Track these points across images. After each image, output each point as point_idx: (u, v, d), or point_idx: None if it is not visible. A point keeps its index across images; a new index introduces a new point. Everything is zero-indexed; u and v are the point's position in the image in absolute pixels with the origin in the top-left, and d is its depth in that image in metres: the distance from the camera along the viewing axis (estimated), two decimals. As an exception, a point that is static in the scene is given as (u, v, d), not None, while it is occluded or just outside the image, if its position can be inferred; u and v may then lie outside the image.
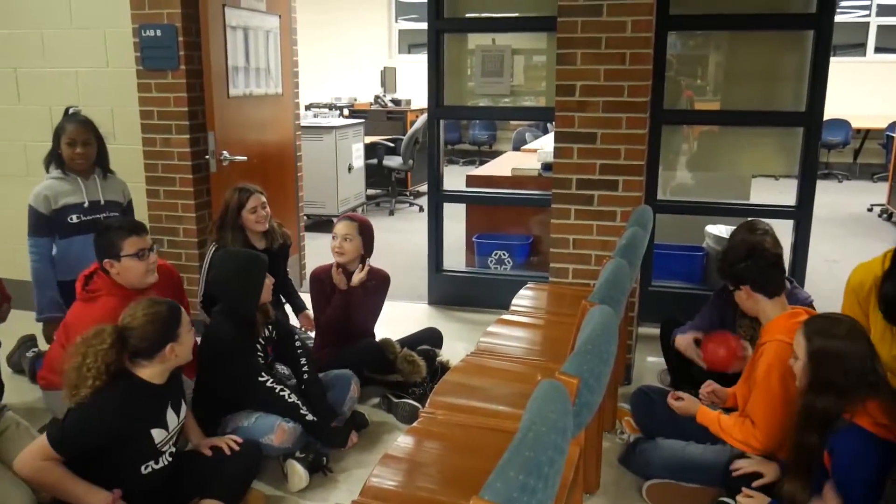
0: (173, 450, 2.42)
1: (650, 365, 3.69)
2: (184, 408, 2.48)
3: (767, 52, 4.39)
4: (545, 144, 5.77)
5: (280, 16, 4.70)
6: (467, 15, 4.60)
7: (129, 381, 2.26)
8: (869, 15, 10.73)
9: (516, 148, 8.27)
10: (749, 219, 3.34)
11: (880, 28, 10.71)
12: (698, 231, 4.74)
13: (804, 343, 2.14)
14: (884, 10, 10.70)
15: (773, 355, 2.42)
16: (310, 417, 2.82)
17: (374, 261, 3.61)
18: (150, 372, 2.29)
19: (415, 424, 2.30)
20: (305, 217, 5.62)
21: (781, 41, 4.32)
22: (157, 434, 2.32)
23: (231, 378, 2.76)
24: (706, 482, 2.59)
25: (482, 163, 8.64)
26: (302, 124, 5.56)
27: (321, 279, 3.46)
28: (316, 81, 10.91)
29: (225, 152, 4.01)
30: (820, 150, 10.76)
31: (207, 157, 4.03)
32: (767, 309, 2.56)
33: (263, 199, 3.57)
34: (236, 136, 4.18)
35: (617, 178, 3.54)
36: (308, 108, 8.83)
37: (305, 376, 2.99)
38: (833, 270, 5.34)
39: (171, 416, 2.37)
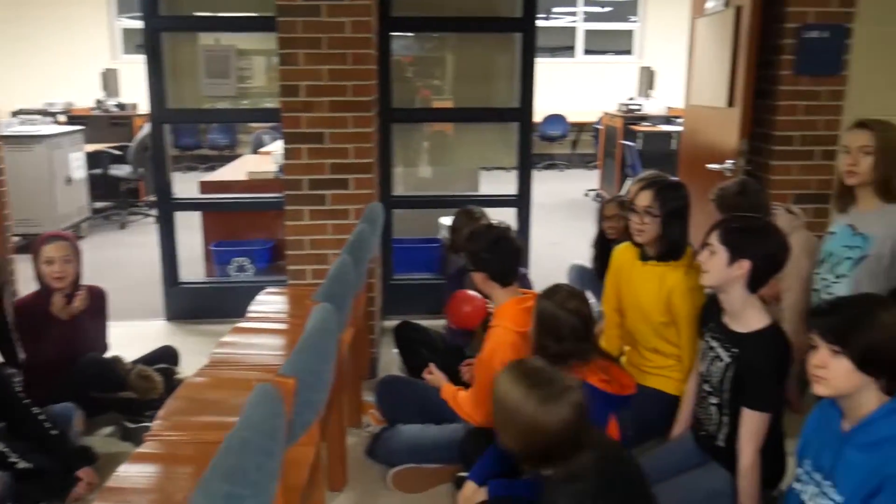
0: None
1: (396, 357, 3.78)
2: None
3: (486, 54, 4.70)
4: (280, 147, 5.68)
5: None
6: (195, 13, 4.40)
7: None
8: (576, 21, 11.94)
9: (255, 151, 8.06)
10: (466, 206, 3.57)
11: (587, 32, 11.97)
12: (434, 223, 4.96)
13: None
14: (590, 17, 11.98)
15: (497, 340, 2.56)
16: (22, 465, 2.51)
17: (104, 278, 3.33)
18: None
19: (139, 449, 2.14)
20: (16, 238, 5.00)
21: (496, 43, 4.64)
22: None
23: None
24: (447, 461, 2.71)
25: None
26: (4, 133, 4.94)
27: (32, 311, 3.07)
28: (23, 85, 9.80)
29: None
30: (538, 142, 11.70)
31: None
32: (499, 295, 2.69)
33: None
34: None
35: (348, 176, 3.58)
36: (15, 114, 7.88)
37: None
38: (554, 251, 5.86)
39: None
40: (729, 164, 3.63)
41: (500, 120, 4.70)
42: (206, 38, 4.43)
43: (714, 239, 2.23)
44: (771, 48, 3.63)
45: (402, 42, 4.66)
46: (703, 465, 2.36)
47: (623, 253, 2.94)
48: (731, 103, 3.65)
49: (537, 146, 11.46)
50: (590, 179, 9.62)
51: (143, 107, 9.04)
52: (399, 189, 4.73)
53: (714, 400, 2.32)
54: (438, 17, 4.42)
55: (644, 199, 2.71)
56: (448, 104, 4.76)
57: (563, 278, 4.32)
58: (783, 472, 2.30)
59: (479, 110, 4.69)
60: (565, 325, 2.24)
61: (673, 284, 2.67)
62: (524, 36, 4.36)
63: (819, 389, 1.74)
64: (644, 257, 2.79)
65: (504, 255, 2.66)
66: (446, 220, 4.90)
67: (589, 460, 1.72)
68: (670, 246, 2.71)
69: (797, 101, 3.60)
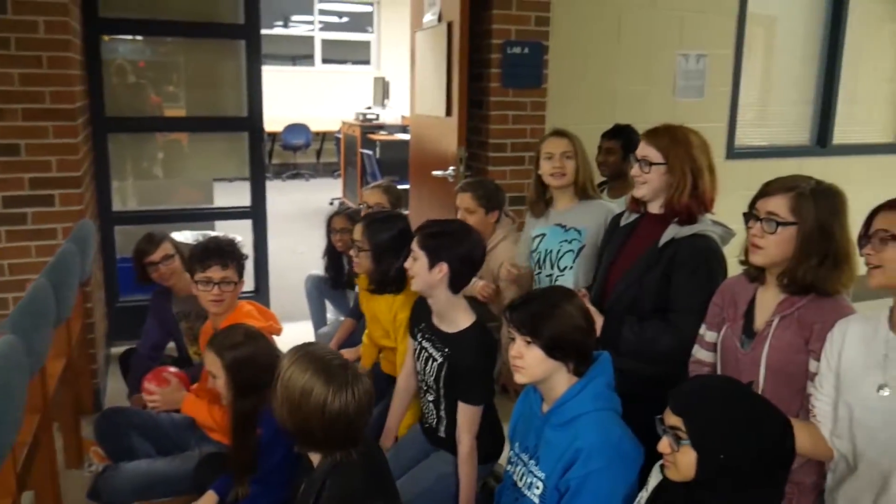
0: None
1: (125, 387, 3.49)
2: None
3: (212, 61, 4.53)
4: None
5: None
6: None
7: None
8: (313, 30, 11.96)
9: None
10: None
11: (324, 42, 12.04)
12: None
13: (218, 360, 2.21)
14: (327, 26, 12.06)
15: None
16: None
17: None
18: None
19: None
20: None
21: (222, 50, 4.49)
22: None
23: None
24: (179, 492, 2.55)
25: None
26: None
27: None
28: None
29: None
30: (281, 151, 11.53)
31: None
32: (218, 321, 2.61)
33: None
34: None
35: (52, 192, 3.23)
36: None
37: None
38: (299, 261, 5.81)
39: None
40: (451, 170, 3.84)
41: (228, 129, 4.56)
42: None
43: (414, 245, 2.30)
44: (481, 62, 3.90)
45: (131, 46, 4.34)
46: (433, 454, 2.47)
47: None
48: (448, 113, 3.86)
49: (281, 156, 11.32)
50: (335, 188, 9.68)
51: None
52: (125, 203, 4.39)
53: (431, 397, 2.42)
54: (155, 21, 4.18)
55: (357, 232, 2.72)
56: (181, 112, 4.52)
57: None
58: (502, 448, 2.47)
59: (206, 120, 4.51)
60: (260, 355, 2.23)
61: (397, 309, 2.70)
62: (248, 43, 4.26)
63: (518, 378, 1.89)
64: (370, 290, 2.76)
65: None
66: (178, 236, 4.65)
67: (359, 452, 1.72)
68: (380, 279, 2.66)
69: (506, 111, 3.91)
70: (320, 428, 1.67)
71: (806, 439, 1.70)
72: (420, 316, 2.46)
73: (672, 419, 1.50)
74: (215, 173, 5.08)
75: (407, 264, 2.33)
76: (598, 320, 2.15)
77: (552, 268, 2.93)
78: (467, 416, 2.26)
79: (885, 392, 1.62)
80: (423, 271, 2.25)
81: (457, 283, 2.29)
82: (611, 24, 4.23)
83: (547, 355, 1.82)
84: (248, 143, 4.49)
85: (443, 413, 2.38)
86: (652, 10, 4.33)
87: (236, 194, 4.85)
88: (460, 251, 2.27)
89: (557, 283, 2.88)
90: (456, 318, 2.32)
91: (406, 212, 3.77)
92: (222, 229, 4.35)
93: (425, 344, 2.41)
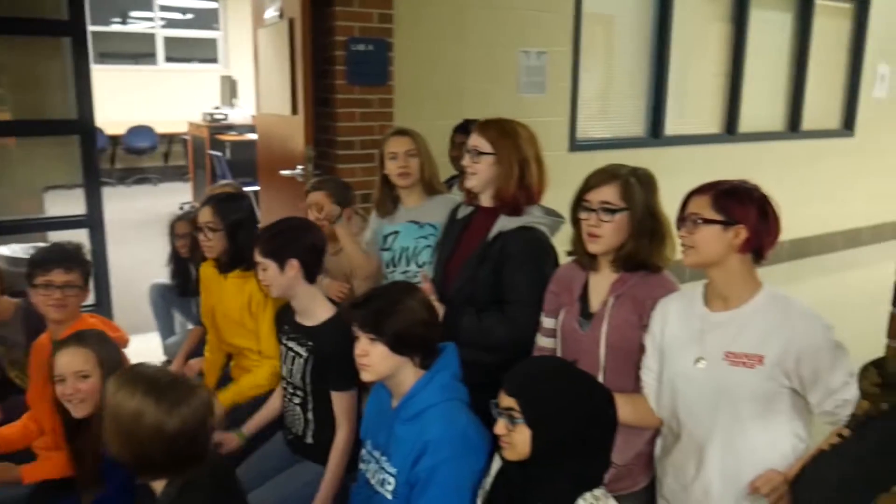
0: None
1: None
2: None
3: (37, 60, 4.21)
4: None
5: None
6: None
7: None
8: (154, 27, 11.39)
9: None
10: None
11: (166, 39, 11.49)
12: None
13: (93, 356, 2.08)
14: (170, 23, 11.52)
15: None
16: None
17: None
18: None
19: None
20: None
21: (46, 48, 4.18)
22: None
23: None
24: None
25: None
26: None
27: None
28: None
29: None
30: (125, 155, 10.95)
31: None
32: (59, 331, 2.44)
33: None
34: None
35: None
36: None
37: None
38: (146, 269, 5.50)
39: None
40: (300, 169, 3.77)
41: (57, 133, 4.25)
42: None
43: (258, 257, 2.30)
44: (326, 59, 3.86)
45: None
46: (298, 464, 2.42)
47: (206, 269, 2.92)
48: (294, 111, 3.79)
49: (125, 160, 10.72)
50: (185, 192, 9.28)
51: None
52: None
53: (298, 399, 2.39)
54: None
55: (205, 215, 2.73)
56: (5, 116, 4.17)
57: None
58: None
59: (32, 123, 4.19)
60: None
61: (252, 290, 2.69)
62: (74, 40, 3.98)
63: (365, 376, 1.89)
64: (223, 271, 2.79)
65: None
66: (4, 250, 4.29)
67: (205, 470, 1.64)
68: (239, 255, 2.72)
69: (354, 108, 3.89)
70: (161, 452, 1.58)
71: (629, 411, 1.81)
72: (283, 319, 2.48)
73: (507, 401, 1.55)
74: (47, 180, 4.73)
75: (259, 276, 2.34)
76: (440, 311, 2.19)
77: (408, 264, 2.94)
78: (342, 403, 2.27)
79: (702, 364, 1.74)
80: (275, 277, 2.29)
81: (311, 273, 2.33)
82: (454, 22, 4.31)
83: (392, 351, 1.83)
84: (79, 147, 4.19)
85: (310, 416, 2.36)
86: (492, 10, 4.44)
87: (76, 202, 4.53)
88: (304, 242, 2.32)
89: (417, 278, 2.92)
90: (316, 311, 2.35)
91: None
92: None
93: (290, 344, 2.41)
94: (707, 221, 1.70)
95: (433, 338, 1.91)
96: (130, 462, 1.62)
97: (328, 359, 2.28)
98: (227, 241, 2.71)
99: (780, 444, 1.72)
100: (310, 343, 2.33)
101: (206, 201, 2.80)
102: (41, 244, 4.10)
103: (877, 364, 1.16)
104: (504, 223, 2.25)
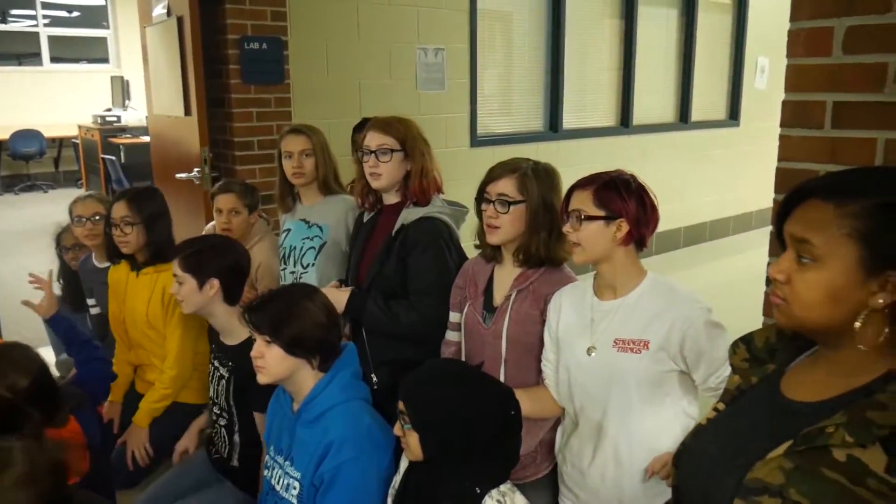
0: None
1: None
2: None
3: None
4: None
5: None
6: None
7: None
8: (37, 25, 10.81)
9: None
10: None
11: (51, 38, 10.92)
12: None
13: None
14: (55, 22, 10.95)
15: None
16: None
17: None
18: None
19: None
20: None
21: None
22: None
23: None
24: None
25: None
26: None
27: None
28: None
29: None
30: (10, 162, 10.41)
31: None
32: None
33: None
34: None
35: None
36: None
37: None
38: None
39: None
40: (196, 171, 3.67)
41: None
42: None
43: (177, 269, 2.25)
44: (219, 58, 3.76)
45: None
46: (218, 484, 2.37)
47: (116, 272, 2.83)
48: (188, 112, 3.68)
49: (10, 166, 10.15)
50: (78, 198, 8.84)
51: None
52: None
53: (224, 421, 2.34)
54: None
55: (119, 210, 2.65)
56: None
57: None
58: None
59: None
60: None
61: (165, 282, 2.62)
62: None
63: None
64: (136, 268, 2.72)
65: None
66: None
67: None
68: (158, 248, 2.69)
69: (250, 108, 3.81)
70: None
71: (529, 405, 1.84)
72: (212, 338, 2.44)
73: (400, 404, 1.57)
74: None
75: (172, 290, 2.29)
76: (343, 295, 2.21)
77: (295, 265, 2.92)
78: (263, 423, 2.20)
79: (594, 354, 1.80)
80: (192, 293, 2.26)
81: (232, 295, 2.30)
82: (349, 19, 4.28)
83: (287, 353, 1.81)
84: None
85: (236, 439, 2.32)
86: (388, 6, 4.44)
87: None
88: (227, 262, 2.29)
89: (301, 280, 2.89)
90: (235, 330, 2.30)
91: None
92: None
93: (215, 363, 2.37)
94: (590, 218, 1.73)
95: (332, 340, 1.90)
96: None
97: (248, 378, 2.19)
98: (146, 234, 2.66)
99: (671, 425, 1.78)
100: (230, 363, 2.29)
101: (120, 196, 2.71)
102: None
103: (745, 340, 1.22)
104: (406, 215, 2.26)
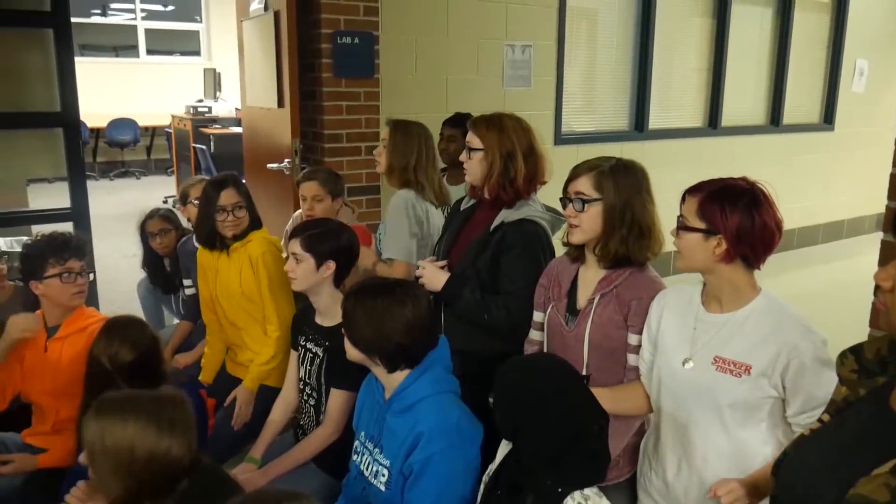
0: None
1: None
2: None
3: (19, 51, 4.14)
4: None
5: None
6: None
7: None
8: (135, 18, 11.27)
9: None
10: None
11: (147, 31, 11.38)
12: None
13: None
14: (151, 15, 11.40)
15: None
16: None
17: None
18: None
19: None
20: None
21: (28, 40, 4.12)
22: None
23: None
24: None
25: None
26: None
27: None
28: None
29: None
30: (107, 149, 10.84)
31: None
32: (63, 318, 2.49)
33: None
34: None
35: None
36: None
37: None
38: (133, 264, 5.46)
39: None
40: (286, 162, 3.77)
41: (40, 126, 4.20)
42: None
43: (297, 248, 2.32)
44: (312, 52, 3.85)
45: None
46: (303, 467, 2.42)
47: (204, 254, 2.92)
48: (280, 104, 3.78)
49: (107, 153, 10.62)
50: (168, 186, 9.22)
51: None
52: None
53: (312, 401, 2.42)
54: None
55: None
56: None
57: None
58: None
59: (14, 115, 4.13)
60: None
61: (251, 251, 2.77)
62: (57, 32, 3.94)
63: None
64: (225, 247, 2.81)
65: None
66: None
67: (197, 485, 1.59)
68: (252, 225, 2.83)
69: (340, 101, 3.89)
70: (159, 472, 1.53)
71: (609, 403, 1.78)
72: (301, 322, 2.51)
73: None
74: (30, 173, 4.69)
75: (287, 267, 2.37)
76: (443, 276, 2.26)
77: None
78: (336, 401, 2.28)
79: (689, 365, 1.75)
80: (309, 272, 2.33)
81: (340, 277, 2.39)
82: (439, 15, 4.31)
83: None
84: (63, 139, 4.16)
85: (322, 419, 2.37)
86: (478, 2, 4.45)
87: (59, 195, 4.49)
88: (343, 245, 2.38)
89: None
90: (336, 312, 2.31)
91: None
92: (41, 234, 4.02)
93: (308, 345, 2.43)
94: (688, 228, 1.67)
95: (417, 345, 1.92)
96: (122, 496, 1.55)
97: (339, 357, 2.25)
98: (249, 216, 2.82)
99: (763, 449, 1.70)
100: (326, 343, 2.36)
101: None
102: (24, 238, 4.07)
103: (854, 351, 1.18)
104: (506, 215, 2.27)
